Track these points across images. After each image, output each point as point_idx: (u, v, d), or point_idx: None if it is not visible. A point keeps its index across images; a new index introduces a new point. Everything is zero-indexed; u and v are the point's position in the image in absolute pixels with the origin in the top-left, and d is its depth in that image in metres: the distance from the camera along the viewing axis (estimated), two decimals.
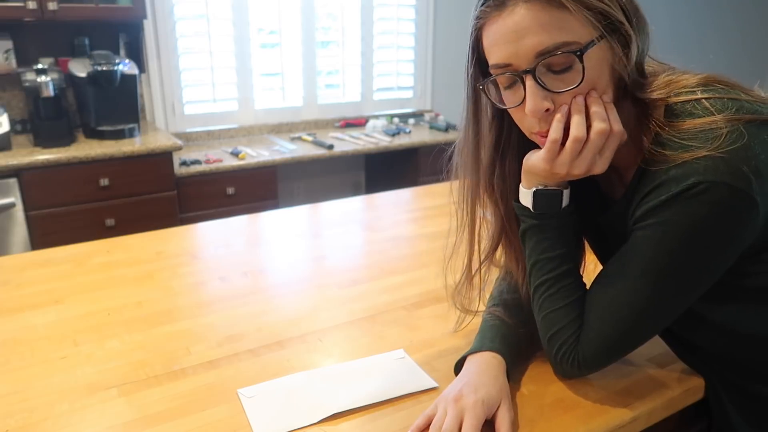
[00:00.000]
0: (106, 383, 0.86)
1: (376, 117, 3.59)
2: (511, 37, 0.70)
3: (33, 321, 1.05)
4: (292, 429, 0.76)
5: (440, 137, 3.25)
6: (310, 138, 3.15)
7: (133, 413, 0.80)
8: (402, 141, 3.17)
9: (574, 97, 0.72)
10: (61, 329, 1.02)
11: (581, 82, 0.70)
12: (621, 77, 0.73)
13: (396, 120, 3.61)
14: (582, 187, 0.87)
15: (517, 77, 0.73)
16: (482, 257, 0.93)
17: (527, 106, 0.73)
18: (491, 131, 0.84)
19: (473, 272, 0.92)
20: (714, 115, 0.69)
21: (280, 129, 3.37)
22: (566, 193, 0.82)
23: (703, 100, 0.71)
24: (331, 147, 2.99)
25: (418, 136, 3.29)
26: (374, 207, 1.76)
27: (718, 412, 0.86)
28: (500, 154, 0.86)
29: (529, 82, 0.71)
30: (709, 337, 0.82)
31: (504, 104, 0.77)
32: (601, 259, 0.93)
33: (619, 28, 0.70)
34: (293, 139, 3.19)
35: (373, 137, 3.19)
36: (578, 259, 0.89)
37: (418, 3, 3.60)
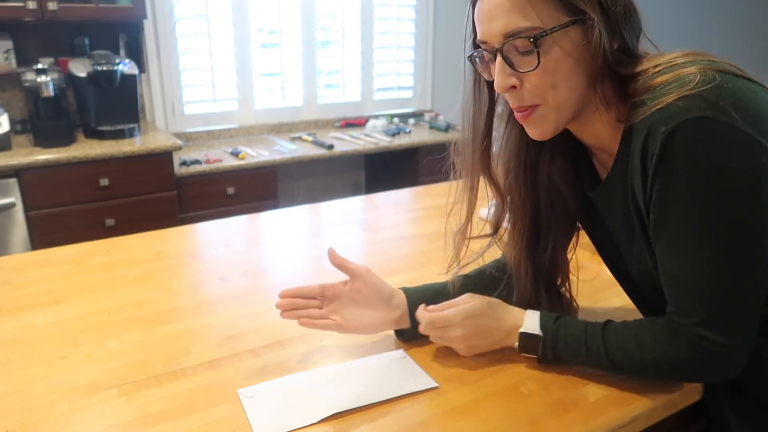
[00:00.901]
0: (106, 383, 0.86)
1: (376, 117, 3.59)
2: (486, 17, 0.77)
3: (33, 321, 1.04)
4: (292, 429, 0.77)
5: (440, 137, 3.25)
6: (310, 138, 3.15)
7: (133, 413, 0.80)
8: (402, 141, 3.17)
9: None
10: (61, 329, 1.02)
11: (537, 65, 0.75)
12: (601, 59, 0.75)
13: (396, 120, 3.61)
14: (580, 170, 0.91)
15: (492, 55, 0.79)
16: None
17: (495, 82, 0.79)
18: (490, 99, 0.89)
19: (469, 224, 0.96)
20: (686, 68, 0.72)
21: (280, 129, 3.37)
22: (524, 328, 0.89)
23: (678, 64, 0.74)
24: (331, 147, 2.99)
25: (418, 136, 3.29)
26: (374, 207, 1.76)
27: (716, 412, 0.86)
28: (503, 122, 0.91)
29: (498, 59, 0.78)
30: None
31: (490, 76, 0.82)
32: (596, 240, 0.96)
33: (589, 17, 0.73)
34: (293, 139, 3.19)
35: (373, 137, 3.19)
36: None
37: (418, 3, 3.60)
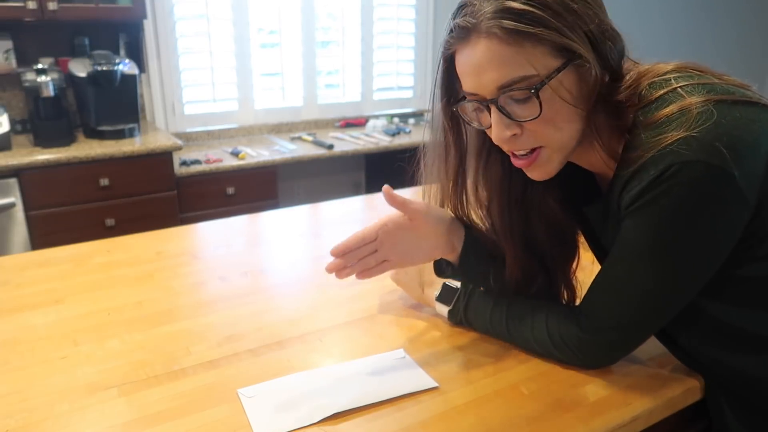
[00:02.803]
0: (106, 383, 0.86)
1: (376, 117, 3.59)
2: (474, 70, 0.75)
3: (33, 321, 1.04)
4: (292, 429, 0.76)
5: None
6: (310, 138, 3.15)
7: (133, 413, 0.80)
8: (402, 141, 3.17)
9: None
10: (61, 329, 1.02)
11: (539, 114, 0.74)
12: (596, 95, 0.75)
13: (396, 120, 3.61)
14: (578, 182, 0.91)
15: (484, 106, 0.77)
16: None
17: (493, 134, 0.78)
18: (476, 138, 0.89)
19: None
20: (686, 99, 0.72)
21: (280, 129, 3.37)
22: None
23: (678, 89, 0.74)
24: (331, 147, 2.99)
25: (418, 136, 3.28)
26: (374, 207, 1.75)
27: (716, 412, 0.86)
28: (483, 158, 0.91)
29: (494, 112, 0.76)
30: (706, 339, 0.83)
31: (480, 125, 0.82)
32: (595, 252, 0.96)
33: (584, 58, 0.72)
34: (293, 139, 3.19)
35: (373, 137, 3.19)
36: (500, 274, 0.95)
37: (418, 3, 3.60)
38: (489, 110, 0.77)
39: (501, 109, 0.75)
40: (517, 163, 0.81)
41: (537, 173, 0.82)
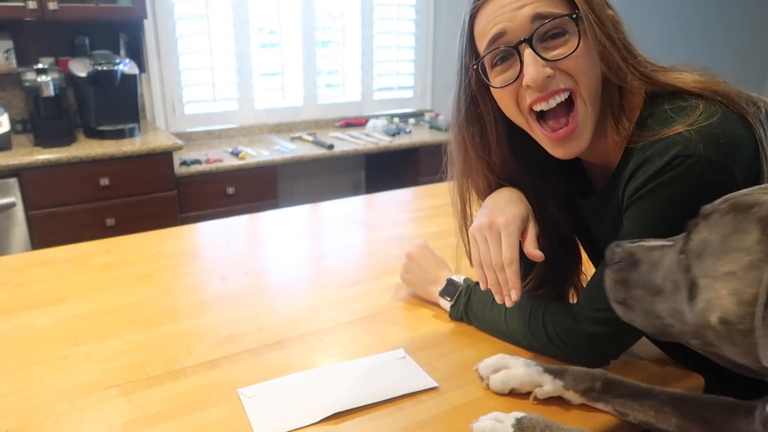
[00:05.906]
0: (106, 383, 0.87)
1: (376, 117, 3.59)
2: (509, 7, 0.75)
3: (33, 321, 1.05)
4: (292, 429, 0.77)
5: (440, 137, 3.25)
6: (310, 138, 3.15)
7: (134, 413, 0.80)
8: (402, 141, 3.17)
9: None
10: (61, 329, 1.02)
11: (578, 46, 0.74)
12: (603, 58, 0.77)
13: (396, 120, 3.61)
14: (572, 177, 0.92)
15: (513, 49, 0.76)
16: None
17: (528, 76, 0.75)
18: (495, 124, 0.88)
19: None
20: (695, 97, 0.74)
21: (280, 129, 3.37)
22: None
23: (687, 89, 0.75)
24: (331, 147, 2.99)
25: (418, 136, 3.29)
26: (374, 207, 1.75)
27: None
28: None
29: (527, 51, 0.75)
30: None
31: (503, 81, 0.80)
32: (586, 249, 0.97)
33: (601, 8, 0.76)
34: (293, 139, 3.19)
35: (373, 137, 3.19)
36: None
37: (418, 3, 3.60)
38: (520, 55, 0.76)
39: (534, 48, 0.75)
40: (553, 136, 0.79)
41: (570, 147, 0.80)
